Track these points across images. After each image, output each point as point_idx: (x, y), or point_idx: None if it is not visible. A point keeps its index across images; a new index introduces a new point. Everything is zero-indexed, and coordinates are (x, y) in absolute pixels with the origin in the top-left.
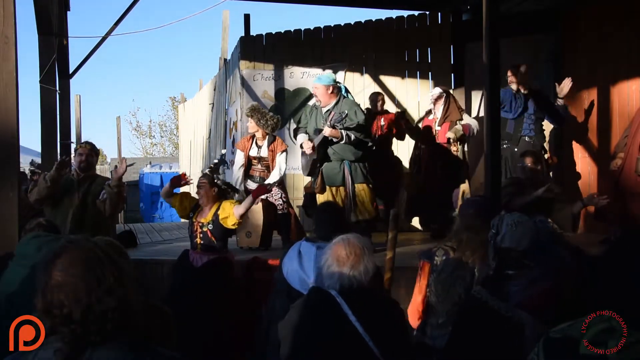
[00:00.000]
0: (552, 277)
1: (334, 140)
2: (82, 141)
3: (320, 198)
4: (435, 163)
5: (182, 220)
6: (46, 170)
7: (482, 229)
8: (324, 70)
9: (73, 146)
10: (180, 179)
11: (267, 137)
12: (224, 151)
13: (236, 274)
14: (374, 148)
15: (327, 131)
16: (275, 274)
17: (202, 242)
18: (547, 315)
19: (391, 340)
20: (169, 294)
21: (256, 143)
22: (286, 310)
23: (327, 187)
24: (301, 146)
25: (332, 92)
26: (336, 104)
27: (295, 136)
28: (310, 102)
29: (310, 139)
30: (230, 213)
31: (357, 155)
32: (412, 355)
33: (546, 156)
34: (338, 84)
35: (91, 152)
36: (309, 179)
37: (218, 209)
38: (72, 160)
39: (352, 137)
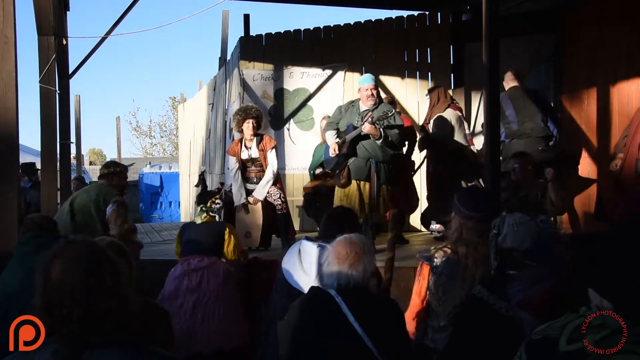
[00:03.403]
0: (553, 277)
1: (371, 137)
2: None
3: (340, 192)
4: (439, 163)
5: (181, 220)
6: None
7: (476, 229)
8: (323, 70)
9: (73, 146)
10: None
11: (255, 137)
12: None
13: None
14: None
15: (366, 127)
16: (278, 273)
17: None
18: (548, 316)
19: (389, 340)
20: None
21: (245, 145)
22: (286, 309)
23: (353, 181)
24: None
25: (378, 91)
26: (376, 106)
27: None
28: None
29: (339, 137)
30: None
31: (385, 156)
32: (411, 356)
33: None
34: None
35: None
36: (308, 179)
37: None
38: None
39: (390, 138)
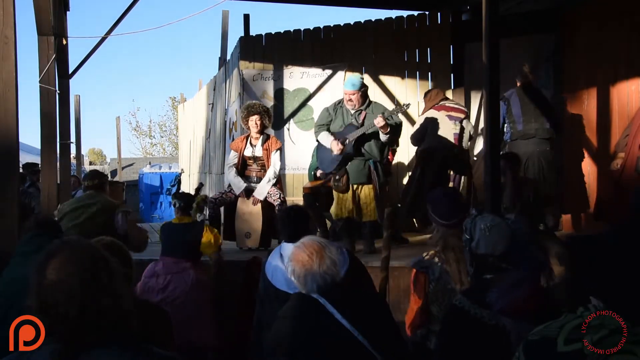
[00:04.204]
0: (533, 279)
1: (380, 131)
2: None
3: (339, 197)
4: (433, 162)
5: None
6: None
7: (457, 233)
8: (323, 70)
9: (73, 146)
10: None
11: (261, 135)
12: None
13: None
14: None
15: (380, 122)
16: (261, 280)
17: None
18: (533, 319)
19: (379, 331)
20: None
21: (250, 142)
22: (276, 314)
23: (350, 186)
24: (319, 143)
25: (362, 94)
26: (368, 104)
27: (316, 134)
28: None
29: (338, 139)
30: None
31: (382, 155)
32: (402, 343)
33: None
34: (366, 85)
35: None
36: (308, 179)
37: None
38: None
39: (395, 134)
